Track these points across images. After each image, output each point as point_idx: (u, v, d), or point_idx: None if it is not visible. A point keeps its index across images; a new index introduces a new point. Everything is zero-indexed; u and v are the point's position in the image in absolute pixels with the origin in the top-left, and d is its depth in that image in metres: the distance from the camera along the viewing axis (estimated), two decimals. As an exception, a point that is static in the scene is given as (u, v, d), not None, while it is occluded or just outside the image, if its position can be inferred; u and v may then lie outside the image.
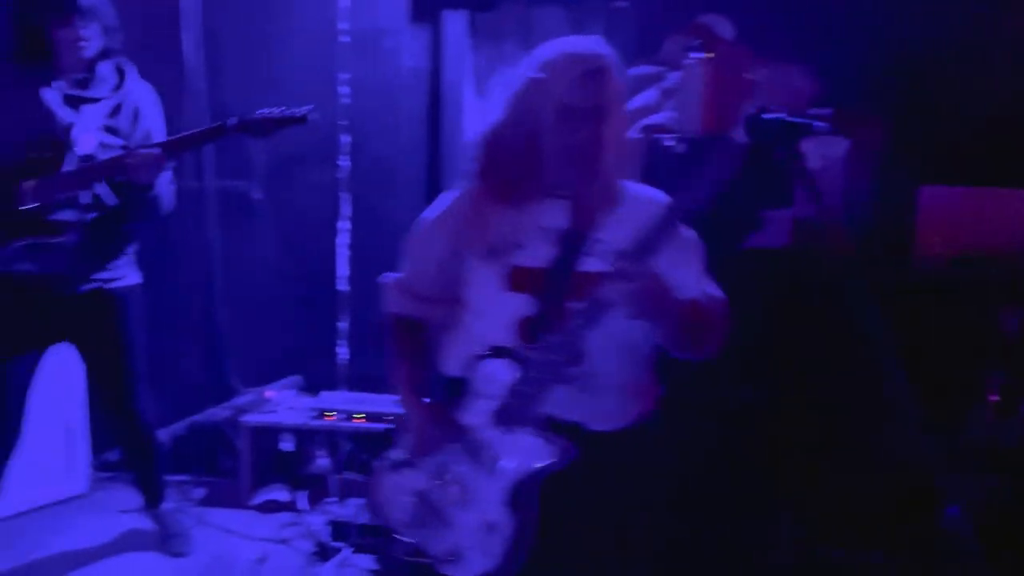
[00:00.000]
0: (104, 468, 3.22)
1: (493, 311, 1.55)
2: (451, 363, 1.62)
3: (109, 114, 2.43)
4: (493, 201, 1.56)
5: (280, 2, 3.35)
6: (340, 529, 2.79)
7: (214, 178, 3.43)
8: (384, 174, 3.36)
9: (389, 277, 1.73)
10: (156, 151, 2.31)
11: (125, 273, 2.53)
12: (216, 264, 3.47)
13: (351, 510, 2.92)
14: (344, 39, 3.27)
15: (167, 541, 2.82)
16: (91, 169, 2.34)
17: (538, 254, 1.53)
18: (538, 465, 1.48)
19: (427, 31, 3.33)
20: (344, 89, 3.27)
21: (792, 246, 2.34)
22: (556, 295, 1.50)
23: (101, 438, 3.14)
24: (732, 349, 1.58)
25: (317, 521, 2.94)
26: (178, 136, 2.39)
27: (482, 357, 1.53)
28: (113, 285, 2.49)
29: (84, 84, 2.41)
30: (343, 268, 3.37)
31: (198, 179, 3.42)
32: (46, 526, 2.91)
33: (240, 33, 3.36)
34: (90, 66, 2.41)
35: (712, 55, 2.39)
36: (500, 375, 1.51)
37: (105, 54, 2.42)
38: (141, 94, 2.51)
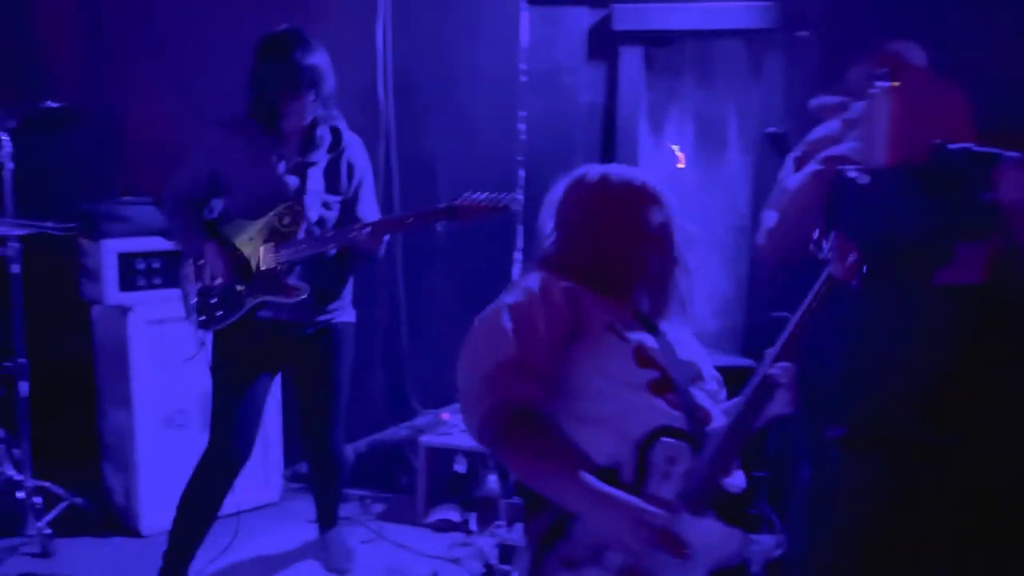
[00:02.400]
0: (295, 479, 3.47)
1: (630, 391, 1.47)
2: (598, 450, 1.46)
3: (328, 174, 2.65)
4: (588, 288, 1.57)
5: (465, 45, 3.54)
6: (508, 552, 2.86)
7: (399, 210, 3.65)
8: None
9: (482, 367, 1.47)
10: (379, 231, 2.53)
11: (342, 313, 2.76)
12: (400, 292, 3.67)
13: (518, 534, 2.98)
14: (523, 78, 3.40)
15: (330, 560, 2.98)
16: (324, 239, 2.58)
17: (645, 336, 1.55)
18: (731, 553, 1.42)
19: (603, 68, 3.41)
20: (521, 126, 3.40)
21: (986, 281, 2.18)
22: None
23: (294, 452, 3.39)
24: (919, 387, 1.51)
25: (486, 543, 3.02)
26: (403, 216, 2.61)
27: (650, 440, 1.44)
28: (332, 322, 2.73)
29: (306, 150, 2.62)
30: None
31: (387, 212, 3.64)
32: (241, 529, 3.18)
33: (428, 76, 3.57)
34: (310, 131, 2.61)
35: (899, 84, 2.29)
36: (677, 458, 1.43)
37: (324, 119, 2.62)
38: (354, 149, 2.71)
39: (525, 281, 1.57)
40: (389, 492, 3.50)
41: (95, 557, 3.04)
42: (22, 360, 3.09)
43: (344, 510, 3.09)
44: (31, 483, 3.06)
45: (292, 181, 2.60)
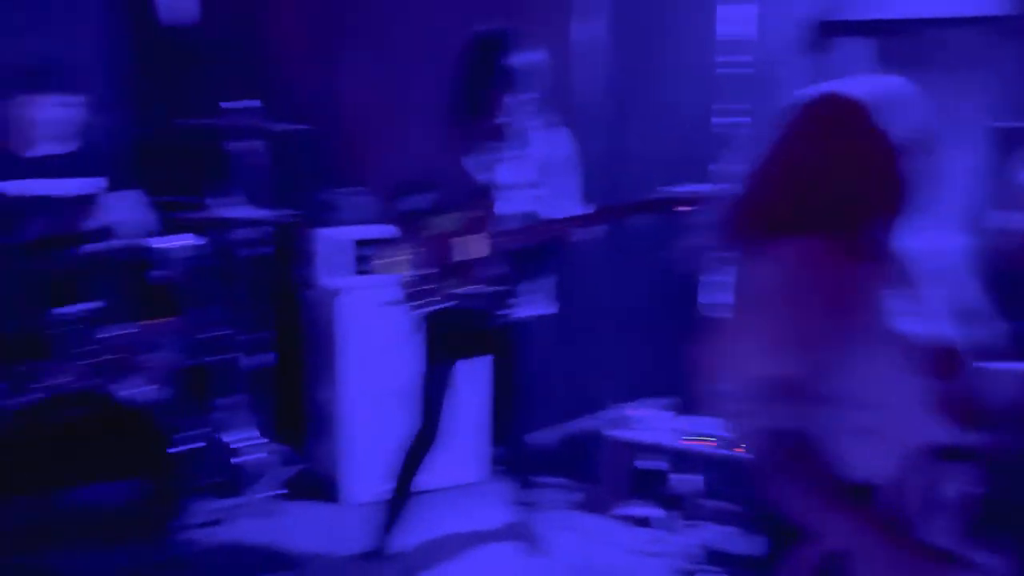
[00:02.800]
0: (498, 462, 3.57)
1: (901, 396, 1.29)
2: (858, 464, 1.30)
3: (531, 168, 2.71)
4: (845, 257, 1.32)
5: (670, 38, 3.50)
6: (707, 553, 2.82)
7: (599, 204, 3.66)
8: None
9: (764, 373, 1.29)
10: (580, 224, 2.57)
11: (538, 305, 2.82)
12: (595, 286, 3.69)
13: (715, 535, 2.94)
14: (730, 71, 3.32)
15: (524, 544, 3.05)
16: (526, 232, 2.65)
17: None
18: None
19: (819, 59, 3.27)
20: (724, 120, 3.32)
21: None
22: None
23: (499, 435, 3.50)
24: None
25: (680, 541, 2.99)
26: (605, 209, 2.61)
27: (922, 457, 1.28)
28: (526, 314, 2.79)
29: (511, 144, 2.69)
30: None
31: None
32: (446, 506, 3.32)
33: (636, 69, 3.55)
34: (514, 126, 2.67)
35: None
36: (950, 482, 1.28)
37: (529, 114, 2.68)
38: (558, 142, 2.76)
39: (773, 261, 1.35)
40: (579, 483, 3.53)
41: (304, 521, 3.26)
42: (266, 333, 3.36)
43: (537, 497, 3.14)
44: (265, 447, 3.34)
45: (497, 174, 2.68)
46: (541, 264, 2.78)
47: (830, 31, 3.22)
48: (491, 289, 2.68)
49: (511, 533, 3.10)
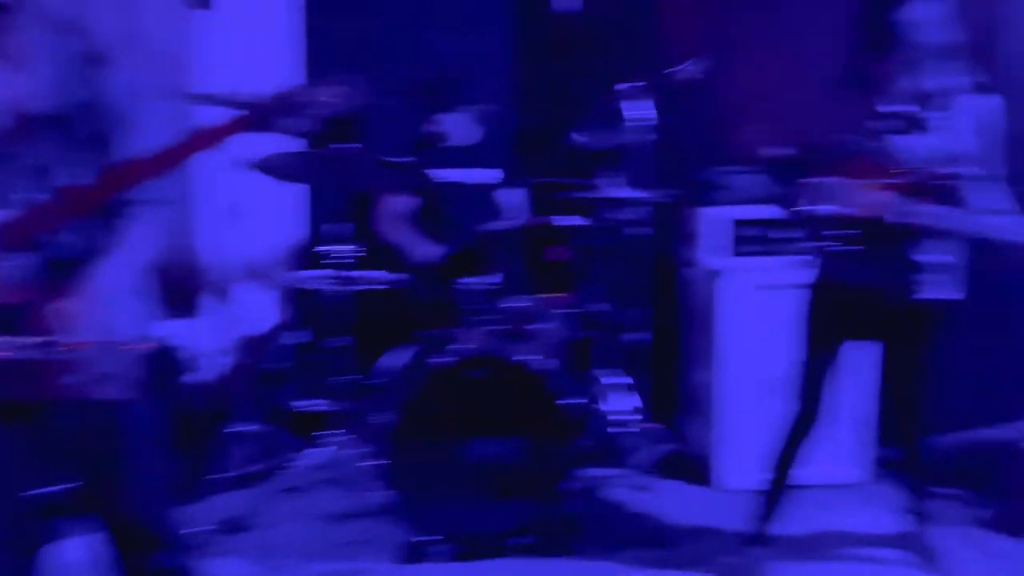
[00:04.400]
0: (885, 464, 3.30)
1: None
2: None
3: (945, 135, 2.43)
4: None
5: None
6: None
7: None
8: None
9: None
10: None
11: (944, 288, 2.52)
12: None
13: None
14: None
15: (920, 557, 2.76)
16: (940, 210, 2.38)
17: None
18: None
19: None
20: None
21: None
22: None
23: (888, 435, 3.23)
24: None
25: None
26: None
27: None
28: (930, 297, 2.51)
29: (920, 104, 2.44)
30: None
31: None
32: (824, 503, 3.14)
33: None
34: (916, 88, 2.42)
35: None
36: None
37: (935, 74, 2.41)
38: (981, 109, 2.44)
39: None
40: (984, 498, 3.12)
41: (676, 500, 3.27)
42: (644, 311, 3.47)
43: (936, 509, 2.83)
44: (642, 423, 3.42)
45: (902, 140, 2.44)
46: (952, 242, 2.48)
47: None
48: (908, 269, 2.45)
49: (901, 542, 2.84)
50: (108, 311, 1.67)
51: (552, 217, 3.19)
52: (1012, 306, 3.24)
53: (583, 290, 3.24)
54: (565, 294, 3.17)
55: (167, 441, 1.85)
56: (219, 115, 1.76)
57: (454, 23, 3.98)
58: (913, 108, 2.44)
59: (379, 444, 2.86)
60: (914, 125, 2.44)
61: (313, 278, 3.13)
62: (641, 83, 3.32)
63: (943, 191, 2.41)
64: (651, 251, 3.52)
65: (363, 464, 3.08)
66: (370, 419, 3.03)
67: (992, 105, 2.44)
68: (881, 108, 2.46)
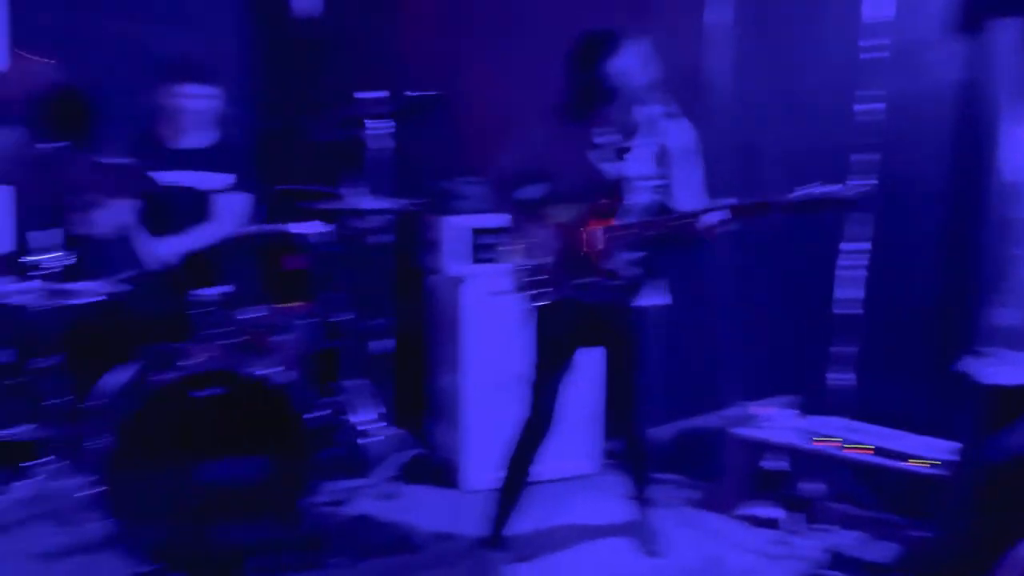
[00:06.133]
0: (611, 455, 3.54)
1: None
2: None
3: (647, 158, 2.68)
4: None
5: (805, 22, 3.36)
6: (833, 557, 2.72)
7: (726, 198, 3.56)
8: (905, 194, 3.19)
9: None
10: (721, 217, 2.50)
11: (655, 296, 2.79)
12: (719, 280, 3.60)
13: (843, 539, 2.82)
14: (873, 55, 3.16)
15: (643, 540, 3.01)
16: (648, 224, 2.62)
17: None
18: None
19: (972, 42, 3.08)
20: (862, 107, 3.17)
21: None
22: None
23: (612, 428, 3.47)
24: None
25: (806, 545, 2.89)
26: (737, 204, 2.52)
27: None
28: (644, 305, 2.76)
29: (625, 135, 2.67)
30: (842, 292, 3.26)
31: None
32: (559, 497, 3.31)
33: (765, 57, 3.43)
34: (629, 118, 2.66)
35: None
36: None
37: (644, 106, 2.66)
38: (676, 134, 2.71)
39: None
40: (697, 481, 3.46)
41: (423, 505, 3.30)
42: (387, 319, 3.45)
43: (656, 493, 3.09)
44: (387, 431, 3.43)
45: (613, 166, 2.66)
46: (660, 256, 2.74)
47: (981, 11, 3.03)
48: (609, 280, 2.66)
49: (626, 528, 3.07)
50: None
51: (289, 224, 3.10)
52: (716, 306, 3.61)
53: (324, 299, 3.18)
54: (304, 303, 3.09)
55: None
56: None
57: (183, 21, 3.76)
58: (621, 137, 2.67)
59: (98, 471, 2.62)
60: (623, 152, 2.67)
61: (18, 291, 2.81)
62: (382, 93, 3.34)
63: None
64: (393, 259, 3.53)
65: (79, 495, 2.80)
66: (87, 445, 2.76)
67: (684, 127, 2.72)
68: (596, 139, 2.67)
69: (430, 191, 3.54)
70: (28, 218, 3.23)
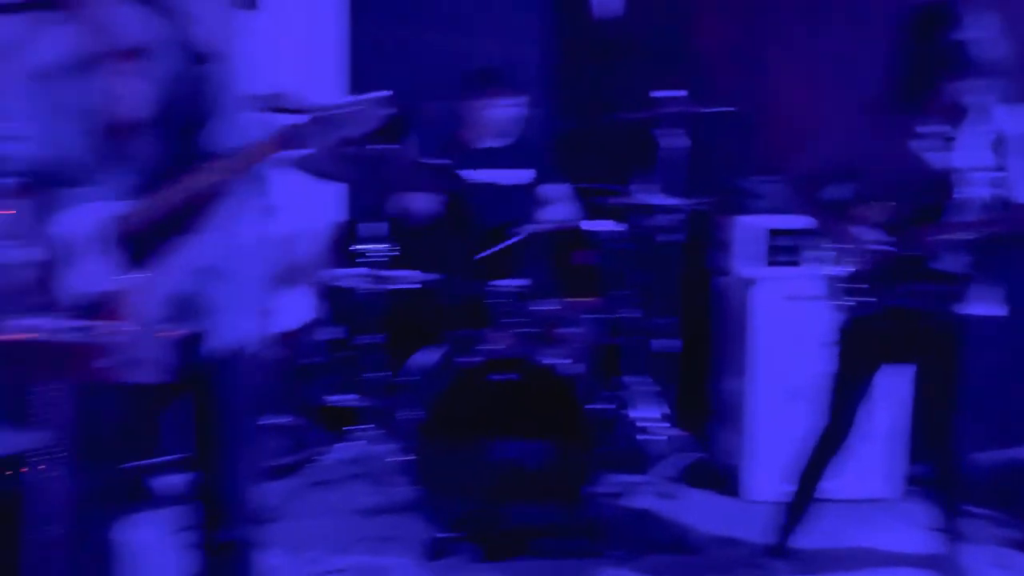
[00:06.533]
0: (916, 481, 3.26)
1: None
2: None
3: (984, 147, 2.41)
4: None
5: None
6: None
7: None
8: None
9: None
10: None
11: (985, 305, 2.51)
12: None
13: None
14: None
15: (945, 574, 2.71)
16: (991, 221, 2.38)
17: None
18: None
19: None
20: None
21: None
22: None
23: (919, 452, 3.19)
24: None
25: None
26: None
27: None
28: (967, 314, 2.50)
29: (955, 125, 2.42)
30: None
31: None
32: (851, 518, 3.11)
33: None
34: (960, 106, 2.41)
35: None
36: None
37: (978, 92, 2.38)
38: (1014, 119, 2.42)
39: None
40: (1020, 519, 3.07)
41: (702, 509, 3.25)
42: (674, 319, 3.48)
43: (967, 528, 2.79)
44: (669, 431, 3.44)
45: (941, 157, 2.41)
46: (997, 258, 2.46)
47: None
48: (937, 287, 2.43)
49: (927, 561, 2.80)
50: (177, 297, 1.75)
51: (582, 221, 3.22)
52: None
53: (613, 295, 3.25)
54: (593, 299, 3.19)
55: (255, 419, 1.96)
56: (284, 118, 1.81)
57: (494, 29, 4.03)
58: (950, 126, 2.42)
59: (407, 441, 2.90)
60: (951, 141, 2.43)
61: (348, 276, 3.19)
62: (680, 92, 3.34)
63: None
64: (683, 258, 3.52)
65: (391, 460, 3.12)
66: (399, 416, 3.07)
67: (1021, 113, 2.42)
68: (921, 128, 2.44)
69: (724, 189, 3.49)
70: (358, 212, 3.65)
